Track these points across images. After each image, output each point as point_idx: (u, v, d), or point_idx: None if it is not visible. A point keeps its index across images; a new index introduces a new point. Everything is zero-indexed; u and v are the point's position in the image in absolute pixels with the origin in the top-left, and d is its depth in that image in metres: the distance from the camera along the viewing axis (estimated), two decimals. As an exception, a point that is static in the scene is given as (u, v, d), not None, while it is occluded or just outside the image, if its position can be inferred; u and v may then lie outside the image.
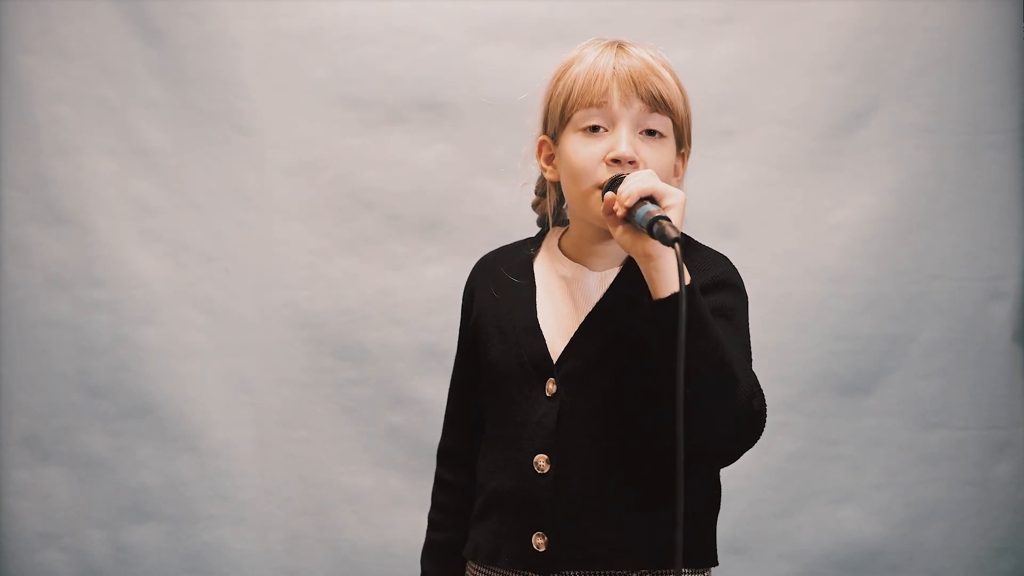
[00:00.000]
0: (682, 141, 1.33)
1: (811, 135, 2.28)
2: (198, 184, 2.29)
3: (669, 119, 1.29)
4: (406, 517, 2.11)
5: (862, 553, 2.26)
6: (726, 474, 2.41)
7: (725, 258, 1.33)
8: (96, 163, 2.29)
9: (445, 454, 1.49)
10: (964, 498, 2.26)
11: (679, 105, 1.31)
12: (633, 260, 1.20)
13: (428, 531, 1.48)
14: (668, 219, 1.12)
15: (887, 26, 2.27)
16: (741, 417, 1.16)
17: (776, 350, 2.25)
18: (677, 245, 1.08)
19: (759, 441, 2.42)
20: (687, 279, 1.12)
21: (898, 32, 2.27)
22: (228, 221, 2.30)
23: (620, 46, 1.31)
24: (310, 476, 2.28)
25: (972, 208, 2.28)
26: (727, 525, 2.28)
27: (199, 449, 2.27)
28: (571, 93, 1.29)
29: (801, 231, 2.28)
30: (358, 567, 2.24)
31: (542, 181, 1.42)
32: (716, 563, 1.33)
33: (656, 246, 1.14)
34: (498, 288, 1.38)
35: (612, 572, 1.26)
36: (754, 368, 2.35)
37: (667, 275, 1.14)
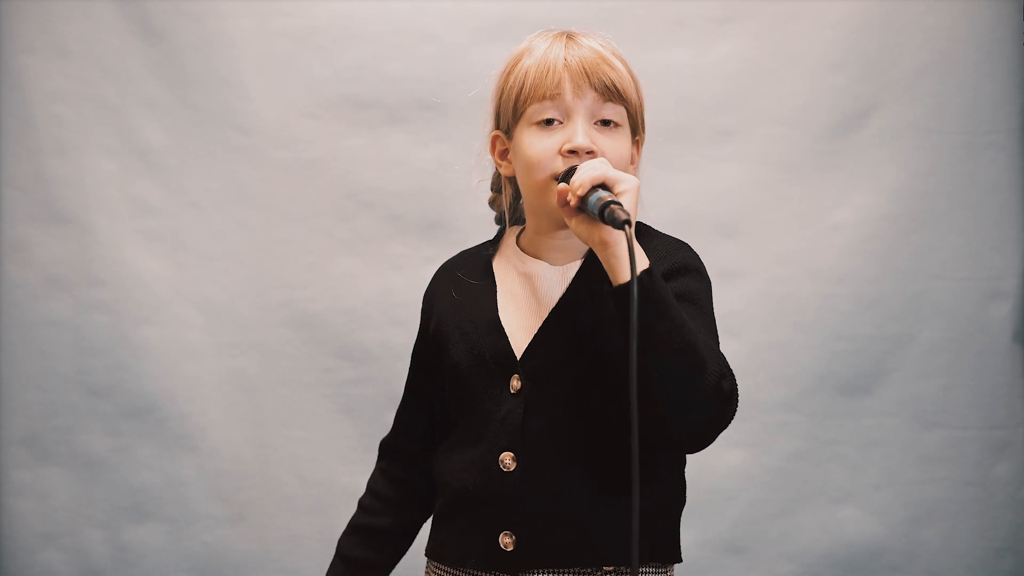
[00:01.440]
0: (636, 129, 1.32)
1: (811, 135, 2.28)
2: (198, 184, 2.29)
3: (623, 108, 1.28)
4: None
5: (862, 553, 2.26)
6: (726, 474, 2.42)
7: (686, 244, 1.32)
8: (96, 163, 2.29)
9: (388, 449, 1.48)
10: (964, 498, 2.26)
11: (632, 93, 1.29)
12: (594, 253, 1.19)
13: (356, 515, 1.47)
14: (618, 203, 1.11)
15: (887, 26, 2.27)
16: (711, 399, 1.15)
17: (776, 350, 2.25)
18: (628, 227, 1.07)
19: (759, 441, 2.43)
20: (646, 263, 1.13)
21: (898, 32, 2.27)
22: (228, 221, 2.30)
23: (570, 36, 1.30)
24: (310, 476, 2.28)
25: (972, 208, 2.28)
26: (727, 525, 2.29)
27: (199, 449, 2.27)
28: (523, 87, 1.28)
29: (801, 231, 2.28)
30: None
31: (497, 177, 1.41)
32: (680, 559, 1.32)
33: (611, 232, 1.13)
34: (458, 291, 1.37)
35: (581, 569, 1.25)
36: (754, 368, 2.35)
37: (623, 261, 1.12)
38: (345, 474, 2.26)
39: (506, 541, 1.25)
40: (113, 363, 2.27)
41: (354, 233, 2.30)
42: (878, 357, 2.27)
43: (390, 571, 1.46)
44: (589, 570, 1.25)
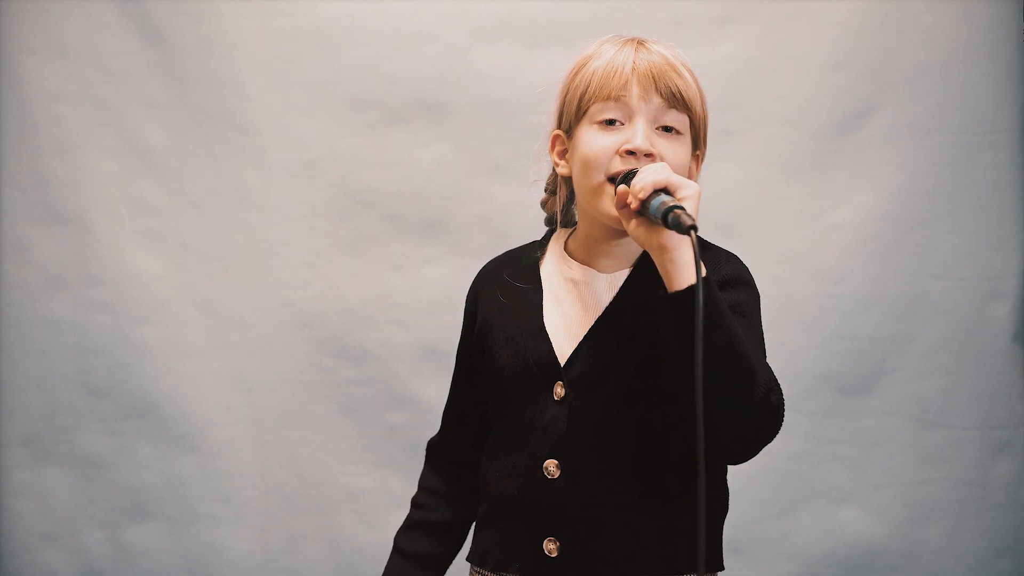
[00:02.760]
0: (698, 142, 1.32)
1: (811, 135, 2.28)
2: (198, 184, 2.29)
3: (687, 116, 1.28)
4: (406, 517, 2.11)
5: (862, 553, 2.26)
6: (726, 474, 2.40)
7: (736, 256, 1.32)
8: (96, 163, 2.29)
9: (437, 448, 1.48)
10: (964, 498, 2.26)
11: (697, 104, 1.29)
12: (644, 262, 1.19)
13: (411, 513, 1.47)
14: (683, 208, 1.10)
15: (887, 26, 2.27)
16: (760, 411, 1.15)
17: (776, 350, 2.23)
18: (693, 232, 1.06)
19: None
20: (703, 270, 1.11)
21: (898, 32, 2.27)
22: (228, 221, 2.30)
23: (640, 42, 1.30)
24: (310, 476, 2.28)
25: (972, 208, 2.28)
26: (727, 525, 2.28)
27: (199, 449, 2.27)
28: (588, 86, 1.28)
29: (801, 231, 2.28)
30: (358, 567, 2.24)
31: (553, 178, 1.40)
32: (722, 567, 1.33)
33: (671, 237, 1.13)
34: (504, 293, 1.36)
35: None
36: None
37: (683, 266, 1.12)
38: (345, 474, 2.26)
39: (550, 548, 1.26)
40: (113, 363, 2.27)
41: (354, 233, 2.30)
42: (878, 357, 2.27)
43: (449, 565, 1.46)
44: None
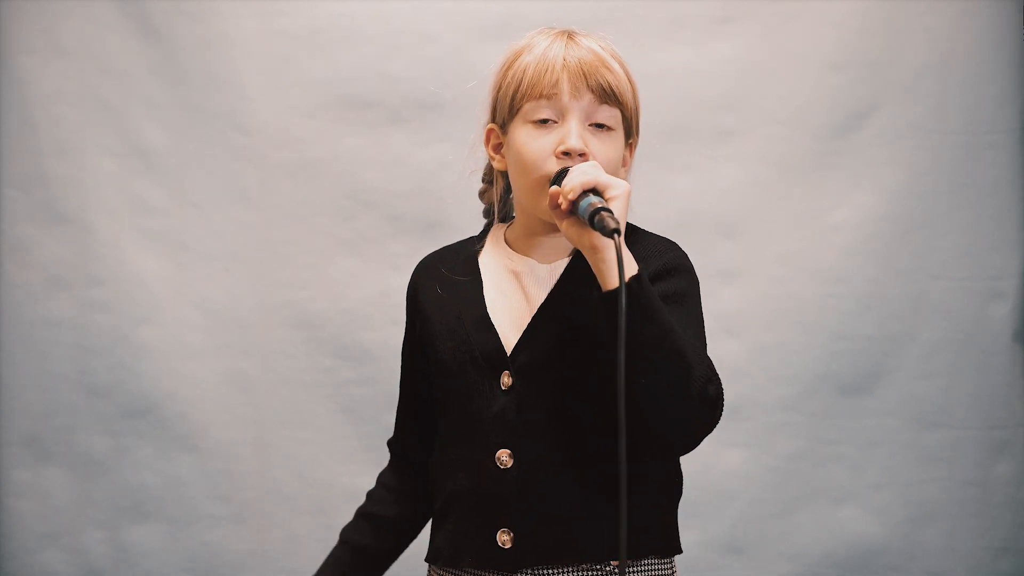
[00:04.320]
0: (631, 131, 1.32)
1: (811, 135, 2.28)
2: (198, 184, 2.29)
3: (618, 111, 1.28)
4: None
5: (862, 553, 2.26)
6: (726, 474, 2.42)
7: (674, 244, 1.32)
8: (96, 163, 2.29)
9: (393, 447, 1.49)
10: (964, 498, 2.26)
11: (628, 97, 1.29)
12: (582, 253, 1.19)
13: (362, 504, 1.47)
14: (609, 210, 1.11)
15: (887, 26, 2.27)
16: (697, 404, 1.15)
17: (776, 350, 2.25)
18: (617, 236, 1.08)
19: (759, 441, 2.43)
20: (635, 268, 1.13)
21: (898, 32, 2.27)
22: (228, 221, 2.30)
23: (570, 36, 1.30)
24: (310, 476, 2.28)
25: (972, 208, 2.28)
26: (727, 525, 2.29)
27: (199, 449, 2.27)
28: (520, 83, 1.28)
29: (801, 231, 2.28)
30: (358, 567, 2.24)
31: (489, 169, 1.41)
32: (680, 550, 1.32)
33: (600, 238, 1.13)
34: (443, 287, 1.37)
35: (579, 565, 1.25)
36: (754, 368, 2.35)
37: (613, 267, 1.12)
38: (345, 474, 2.26)
39: (504, 539, 1.25)
40: (113, 363, 2.27)
41: (354, 233, 2.30)
42: (878, 357, 2.27)
43: (390, 563, 1.45)
44: (587, 565, 1.25)
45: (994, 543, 2.26)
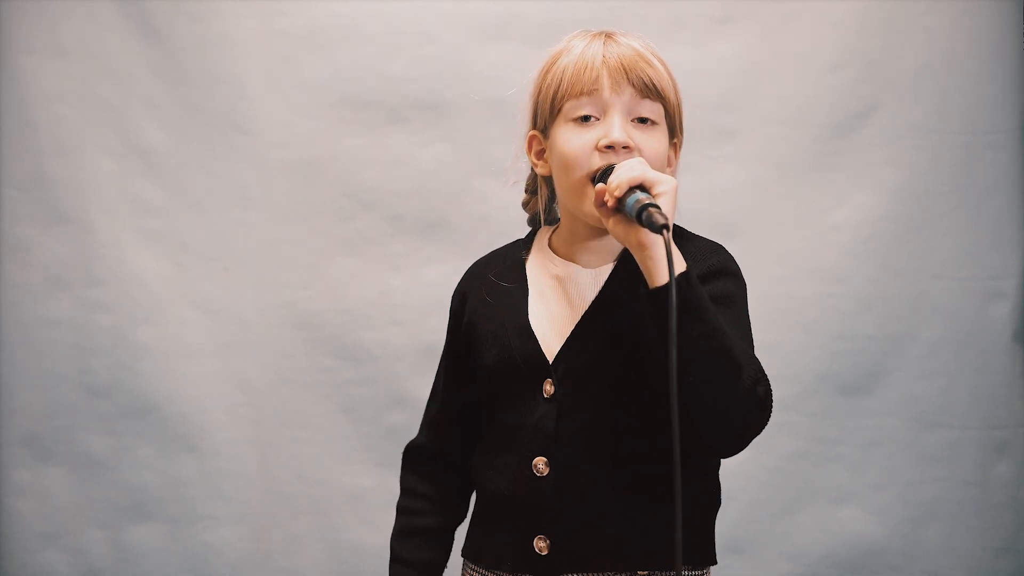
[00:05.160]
0: (674, 130, 1.32)
1: (811, 135, 2.28)
2: (198, 184, 2.29)
3: (661, 106, 1.28)
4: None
5: (862, 553, 2.26)
6: (725, 474, 2.42)
7: (721, 247, 1.32)
8: (96, 163, 2.29)
9: (419, 452, 1.47)
10: (964, 498, 2.26)
11: (670, 92, 1.29)
12: (628, 255, 1.18)
13: (402, 519, 1.45)
14: (656, 206, 1.10)
15: (887, 26, 2.27)
16: (746, 404, 1.14)
17: (776, 350, 2.25)
18: (666, 231, 1.06)
19: (759, 440, 2.42)
20: (682, 265, 1.12)
21: (898, 32, 2.27)
22: (228, 221, 2.30)
23: (608, 35, 1.30)
24: (310, 476, 2.28)
25: (972, 208, 2.28)
26: (727, 525, 2.28)
27: (199, 449, 2.27)
28: (560, 84, 1.27)
29: (801, 231, 2.28)
30: (358, 567, 2.24)
31: (533, 178, 1.40)
32: (715, 562, 1.32)
33: (648, 235, 1.12)
34: (490, 293, 1.36)
35: (615, 574, 1.25)
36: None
37: (661, 263, 1.11)
38: (345, 474, 2.26)
39: (540, 545, 1.26)
40: (113, 363, 2.27)
41: (354, 233, 2.30)
42: (878, 357, 2.27)
43: (444, 570, 1.45)
44: (624, 573, 1.25)
45: (994, 543, 2.26)
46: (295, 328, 2.29)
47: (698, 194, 2.28)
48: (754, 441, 2.40)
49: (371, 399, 2.27)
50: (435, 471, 1.45)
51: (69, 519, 2.27)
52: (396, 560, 1.44)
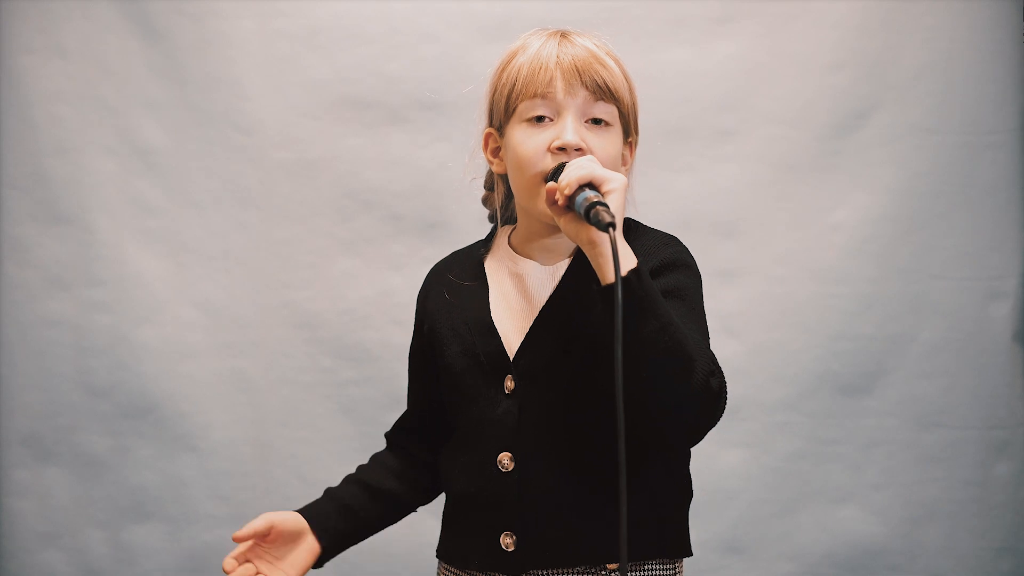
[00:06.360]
0: (629, 130, 1.32)
1: (811, 135, 2.28)
2: (198, 184, 2.30)
3: (615, 107, 1.28)
4: (406, 517, 2.11)
5: (862, 553, 2.26)
6: (726, 474, 2.41)
7: (675, 239, 1.31)
8: (96, 163, 2.29)
9: (393, 440, 1.49)
10: (964, 498, 2.26)
11: (624, 93, 1.29)
12: (582, 252, 1.19)
13: (354, 472, 1.48)
14: (605, 204, 1.10)
15: (887, 26, 2.27)
16: (700, 396, 1.14)
17: (776, 350, 2.25)
18: (612, 230, 1.07)
19: (759, 441, 2.42)
20: (634, 262, 1.12)
21: (898, 32, 2.27)
22: (228, 221, 2.30)
23: (564, 35, 1.30)
24: (310, 476, 2.28)
25: (972, 208, 2.28)
26: (727, 525, 2.29)
27: (199, 449, 2.27)
28: (515, 84, 1.29)
29: (801, 231, 2.28)
30: (358, 567, 2.23)
31: (490, 175, 1.41)
32: (690, 553, 1.31)
33: (598, 232, 1.13)
34: (450, 292, 1.37)
35: (582, 568, 1.25)
36: (754, 368, 2.34)
37: (611, 261, 1.11)
38: (345, 474, 2.26)
39: (507, 542, 1.25)
40: (113, 363, 2.27)
41: (354, 233, 2.30)
42: (878, 357, 2.27)
43: (363, 536, 1.45)
44: (592, 569, 1.25)
45: (994, 543, 2.26)
46: (295, 328, 2.29)
47: (698, 194, 2.29)
48: (754, 441, 2.41)
49: (371, 399, 2.27)
50: (404, 456, 1.46)
51: (69, 519, 2.27)
52: (324, 496, 1.46)
